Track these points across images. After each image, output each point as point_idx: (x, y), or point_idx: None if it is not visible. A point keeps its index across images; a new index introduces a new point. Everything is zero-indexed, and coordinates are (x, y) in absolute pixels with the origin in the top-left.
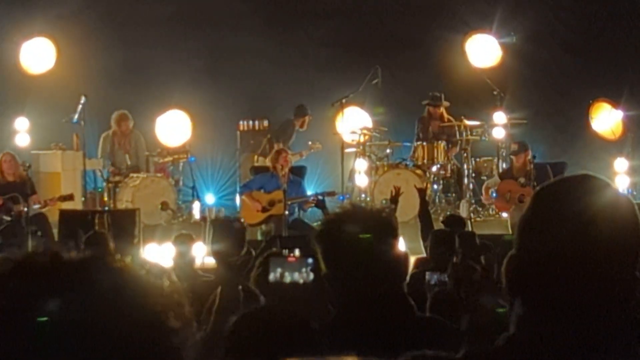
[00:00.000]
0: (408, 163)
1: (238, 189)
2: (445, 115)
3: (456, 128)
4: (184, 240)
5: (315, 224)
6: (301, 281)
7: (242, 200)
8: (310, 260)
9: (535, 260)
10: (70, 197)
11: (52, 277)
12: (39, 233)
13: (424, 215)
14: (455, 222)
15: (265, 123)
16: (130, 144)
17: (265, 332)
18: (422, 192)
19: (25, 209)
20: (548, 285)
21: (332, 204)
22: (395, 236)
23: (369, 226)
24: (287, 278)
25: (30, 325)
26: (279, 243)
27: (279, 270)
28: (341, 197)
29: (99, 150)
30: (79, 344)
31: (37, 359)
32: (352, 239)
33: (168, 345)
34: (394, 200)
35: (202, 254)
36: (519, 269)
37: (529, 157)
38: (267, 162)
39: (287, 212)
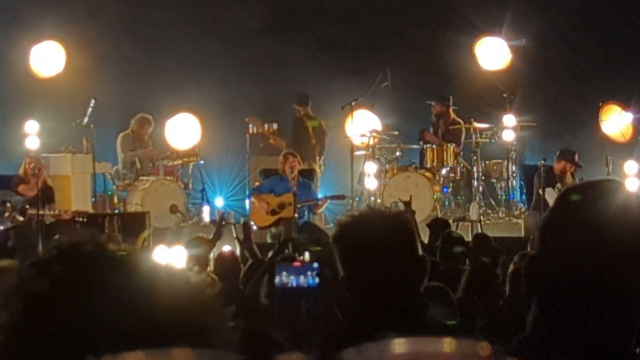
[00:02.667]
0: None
1: (247, 192)
2: (452, 116)
3: (463, 132)
4: (199, 243)
5: (328, 226)
6: (305, 285)
7: (251, 203)
8: (315, 265)
9: (555, 261)
10: (84, 215)
11: (96, 266)
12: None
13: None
14: (439, 225)
15: (275, 126)
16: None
17: None
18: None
19: (41, 213)
20: (566, 287)
21: (341, 208)
22: (413, 239)
23: (386, 229)
24: (292, 282)
25: (72, 309)
26: (291, 246)
27: (284, 274)
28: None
29: (121, 148)
30: (117, 330)
31: (78, 342)
32: (370, 242)
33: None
34: (408, 207)
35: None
36: (538, 270)
37: (568, 165)
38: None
39: (296, 215)
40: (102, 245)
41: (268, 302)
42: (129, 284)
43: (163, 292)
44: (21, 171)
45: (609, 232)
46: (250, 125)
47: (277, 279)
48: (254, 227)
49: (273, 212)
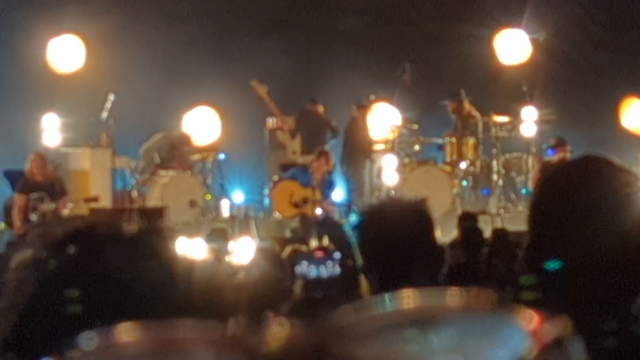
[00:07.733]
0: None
1: (267, 186)
2: (467, 109)
3: (479, 125)
4: (219, 236)
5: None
6: (326, 275)
7: (274, 193)
8: (337, 255)
9: (549, 248)
10: (95, 199)
11: (110, 247)
12: None
13: None
14: (467, 218)
15: (291, 121)
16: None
17: None
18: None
19: (54, 208)
20: (565, 272)
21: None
22: (432, 228)
23: (406, 218)
24: (313, 272)
25: (84, 290)
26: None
27: (304, 263)
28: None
29: (149, 144)
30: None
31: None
32: (390, 230)
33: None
34: None
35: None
36: (536, 258)
37: (567, 153)
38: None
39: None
40: (117, 227)
41: (302, 294)
42: (143, 266)
43: (181, 277)
44: (26, 167)
45: (594, 209)
46: (269, 120)
47: (297, 269)
48: (278, 217)
49: (296, 205)
